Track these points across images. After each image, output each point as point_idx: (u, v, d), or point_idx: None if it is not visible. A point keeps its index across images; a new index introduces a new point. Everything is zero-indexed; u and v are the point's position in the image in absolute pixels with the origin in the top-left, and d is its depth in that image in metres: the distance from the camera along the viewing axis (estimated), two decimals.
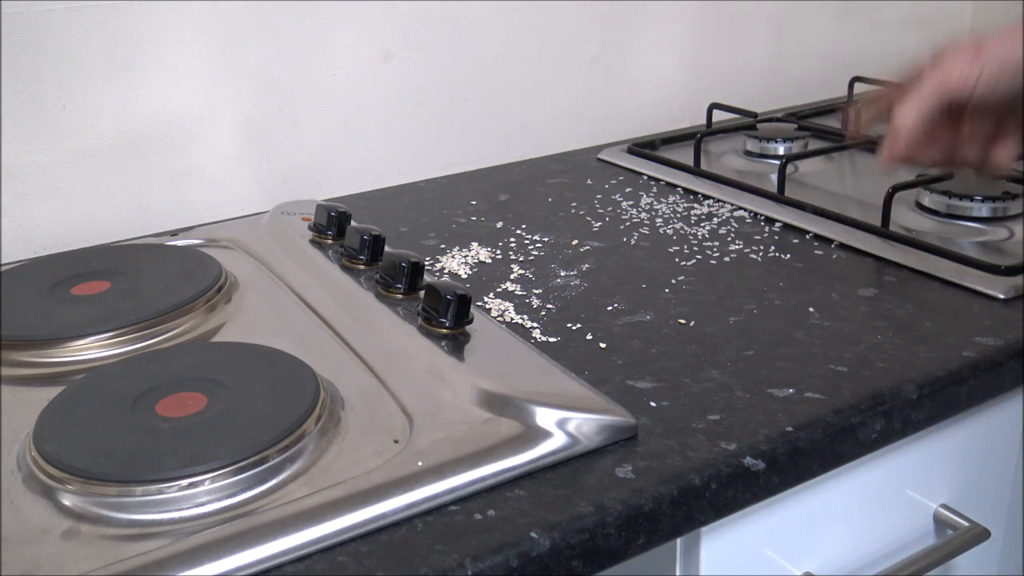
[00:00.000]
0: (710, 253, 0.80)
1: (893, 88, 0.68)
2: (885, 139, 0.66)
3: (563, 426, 0.53)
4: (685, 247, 0.81)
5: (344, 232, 0.77)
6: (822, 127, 1.09)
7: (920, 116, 0.63)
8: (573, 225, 0.88)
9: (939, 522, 0.68)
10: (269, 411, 0.54)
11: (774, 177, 0.93)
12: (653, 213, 0.90)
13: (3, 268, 0.78)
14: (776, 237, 0.83)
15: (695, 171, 0.98)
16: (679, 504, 0.51)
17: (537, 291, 0.74)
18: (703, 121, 1.13)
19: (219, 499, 0.48)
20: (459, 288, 0.63)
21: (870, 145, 0.71)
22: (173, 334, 0.67)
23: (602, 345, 0.65)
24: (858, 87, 1.22)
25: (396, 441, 0.53)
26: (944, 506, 0.67)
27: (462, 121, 1.05)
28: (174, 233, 0.86)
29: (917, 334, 0.65)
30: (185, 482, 0.48)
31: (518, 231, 0.87)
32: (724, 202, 0.91)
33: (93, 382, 0.58)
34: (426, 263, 0.78)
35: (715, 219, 0.88)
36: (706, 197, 0.93)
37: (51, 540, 0.46)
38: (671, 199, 0.93)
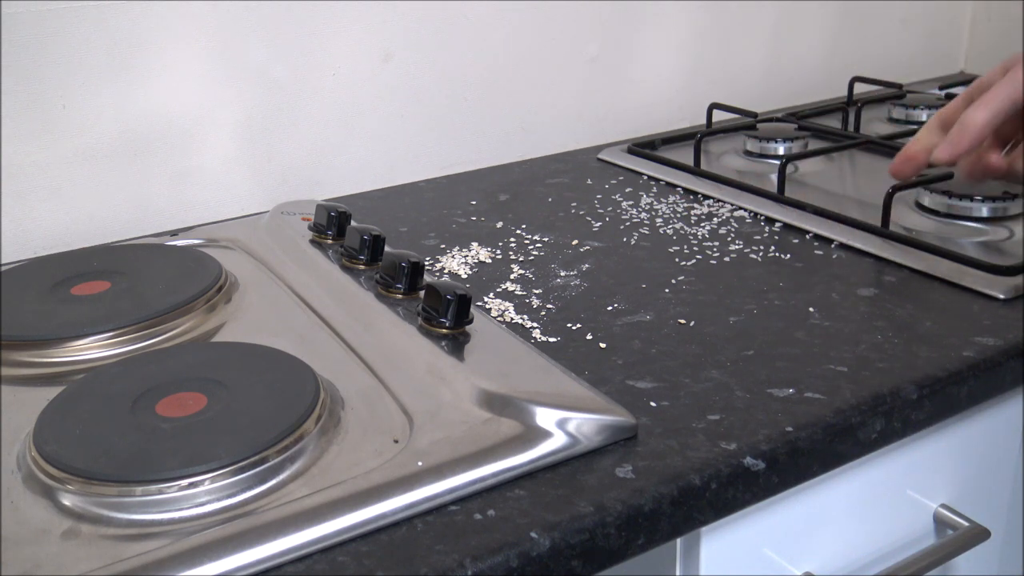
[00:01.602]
0: (710, 253, 0.80)
1: (958, 101, 0.67)
2: (948, 135, 0.65)
3: (563, 426, 0.53)
4: (685, 247, 0.81)
5: (344, 232, 0.77)
6: (822, 127, 1.09)
7: (990, 116, 0.63)
8: (573, 225, 0.88)
9: (939, 522, 0.68)
10: (269, 411, 0.54)
11: (774, 177, 0.93)
12: (653, 213, 0.90)
13: (3, 268, 0.78)
14: (776, 237, 0.83)
15: (695, 171, 0.98)
16: (679, 504, 0.51)
17: (537, 291, 0.74)
18: (703, 121, 1.13)
19: (219, 499, 0.48)
20: (459, 288, 0.63)
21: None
22: (173, 334, 0.67)
23: (602, 345, 0.65)
24: (858, 87, 1.23)
25: (396, 441, 0.53)
26: (944, 506, 0.67)
27: (462, 121, 1.05)
28: (174, 233, 0.86)
29: (917, 334, 0.65)
30: (185, 482, 0.48)
31: (518, 231, 0.86)
32: (724, 202, 0.91)
33: (93, 382, 0.58)
34: (426, 263, 0.78)
35: (715, 219, 0.88)
36: (706, 197, 0.93)
37: (51, 540, 0.46)
38: (671, 199, 0.93)
